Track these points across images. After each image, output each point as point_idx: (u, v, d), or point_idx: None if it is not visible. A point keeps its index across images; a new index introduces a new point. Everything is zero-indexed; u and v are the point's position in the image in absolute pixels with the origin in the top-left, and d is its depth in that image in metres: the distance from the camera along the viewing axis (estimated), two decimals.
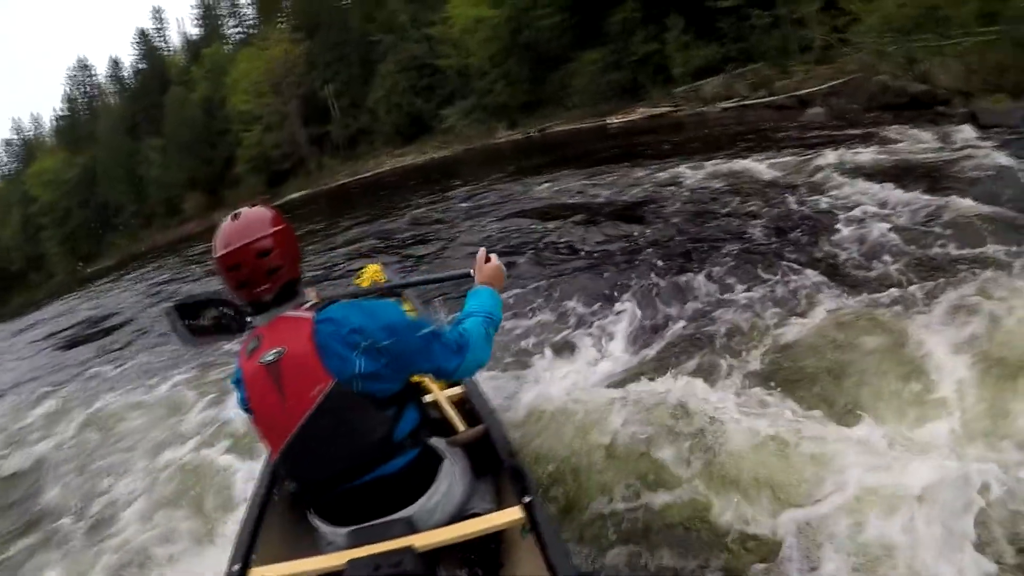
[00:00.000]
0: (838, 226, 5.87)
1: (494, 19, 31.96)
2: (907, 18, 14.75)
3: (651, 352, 4.31)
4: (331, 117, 47.61)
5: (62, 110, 72.06)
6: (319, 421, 1.87)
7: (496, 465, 2.36)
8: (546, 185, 12.54)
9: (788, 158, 9.41)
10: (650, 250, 6.51)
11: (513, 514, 1.98)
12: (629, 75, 27.22)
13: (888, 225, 5.53)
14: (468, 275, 2.46)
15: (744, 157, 10.11)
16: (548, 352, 4.56)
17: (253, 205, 2.05)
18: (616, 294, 5.43)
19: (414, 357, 1.97)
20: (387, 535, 1.88)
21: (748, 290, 4.91)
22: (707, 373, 3.65)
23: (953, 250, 4.83)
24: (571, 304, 5.46)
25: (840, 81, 15.96)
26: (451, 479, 2.09)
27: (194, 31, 66.02)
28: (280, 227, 1.99)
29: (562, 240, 7.92)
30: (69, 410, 6.48)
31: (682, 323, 4.64)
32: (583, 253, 7.18)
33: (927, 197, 5.99)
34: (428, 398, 2.83)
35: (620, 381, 3.68)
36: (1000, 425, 2.77)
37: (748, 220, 6.87)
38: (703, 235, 6.75)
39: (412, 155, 38.61)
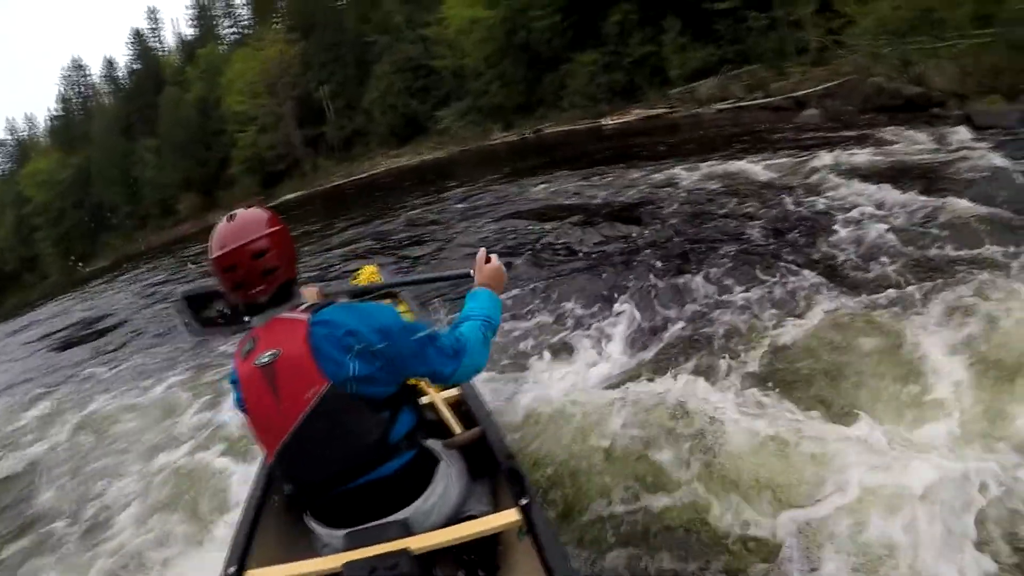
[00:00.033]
0: (835, 227, 5.88)
1: (489, 20, 31.86)
2: (902, 20, 14.83)
3: (649, 353, 4.30)
4: (326, 118, 47.53)
5: (56, 110, 72.04)
6: (314, 423, 1.86)
7: (492, 467, 2.35)
8: (542, 186, 12.54)
9: (784, 159, 9.43)
10: (648, 251, 6.51)
11: (510, 516, 1.97)
12: (625, 76, 27.20)
13: (885, 226, 5.54)
14: (468, 275, 2.43)
15: (740, 158, 10.12)
16: (546, 354, 4.55)
17: (249, 206, 2.06)
18: (614, 295, 5.43)
19: (409, 361, 1.95)
20: (383, 537, 1.87)
21: (746, 291, 4.90)
22: (706, 374, 3.64)
23: (950, 251, 4.83)
24: (569, 305, 5.45)
25: (835, 83, 16.01)
26: (447, 481, 2.08)
27: (189, 31, 65.93)
28: (276, 228, 1.99)
29: (559, 241, 7.91)
30: (63, 412, 6.45)
31: (680, 324, 4.63)
32: (580, 254, 7.18)
33: (924, 198, 6.00)
34: (424, 400, 2.81)
35: (619, 383, 3.68)
36: (998, 425, 2.77)
37: (745, 221, 6.88)
38: (700, 236, 6.75)
39: (407, 156, 38.54)
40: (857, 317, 3.99)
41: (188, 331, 2.14)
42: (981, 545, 2.19)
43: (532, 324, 5.26)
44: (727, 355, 3.90)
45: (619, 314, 5.01)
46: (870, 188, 6.75)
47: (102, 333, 11.88)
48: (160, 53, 66.46)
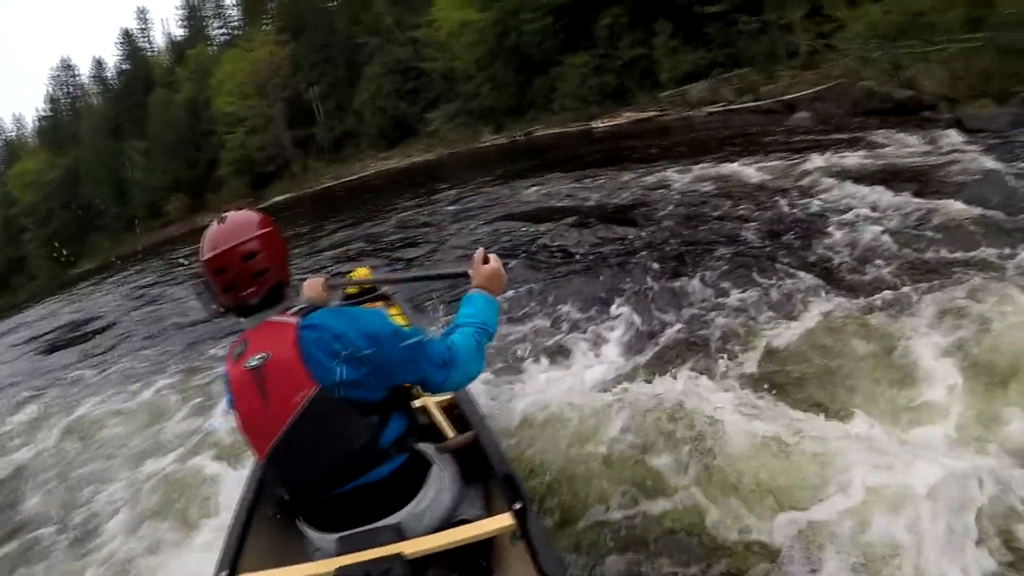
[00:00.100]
0: (829, 229, 5.90)
1: (480, 22, 31.91)
2: (892, 25, 14.98)
3: (646, 356, 4.27)
4: (316, 120, 47.50)
5: (45, 110, 71.60)
6: (303, 427, 1.85)
7: (486, 471, 2.33)
8: (534, 189, 12.55)
9: (776, 162, 9.47)
10: (643, 253, 6.51)
11: (503, 521, 1.95)
12: (615, 79, 27.29)
13: (879, 228, 5.57)
14: (465, 275, 2.36)
15: (732, 161, 10.17)
16: (542, 357, 4.52)
17: (240, 208, 2.04)
18: (610, 298, 5.41)
19: (397, 368, 1.93)
20: (376, 542, 1.86)
21: (742, 293, 4.90)
22: (703, 377, 3.63)
23: (944, 253, 4.86)
24: (565, 308, 5.43)
25: (825, 86, 16.11)
26: (440, 485, 2.07)
27: (178, 32, 65.88)
28: (267, 230, 1.99)
29: (554, 243, 7.90)
30: (50, 416, 6.35)
31: (677, 327, 4.62)
32: (575, 256, 7.17)
33: (917, 201, 6.05)
34: (417, 403, 2.78)
35: (616, 386, 3.65)
36: (995, 425, 2.79)
37: (739, 223, 6.90)
38: (695, 238, 6.76)
39: (397, 158, 38.60)
40: (853, 319, 4.00)
41: (203, 306, 2.12)
42: (982, 545, 2.18)
43: (527, 327, 5.23)
44: (724, 357, 3.90)
45: (615, 317, 5.00)
46: (863, 190, 6.79)
47: (90, 336, 11.77)
48: (149, 54, 66.27)
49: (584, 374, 4.12)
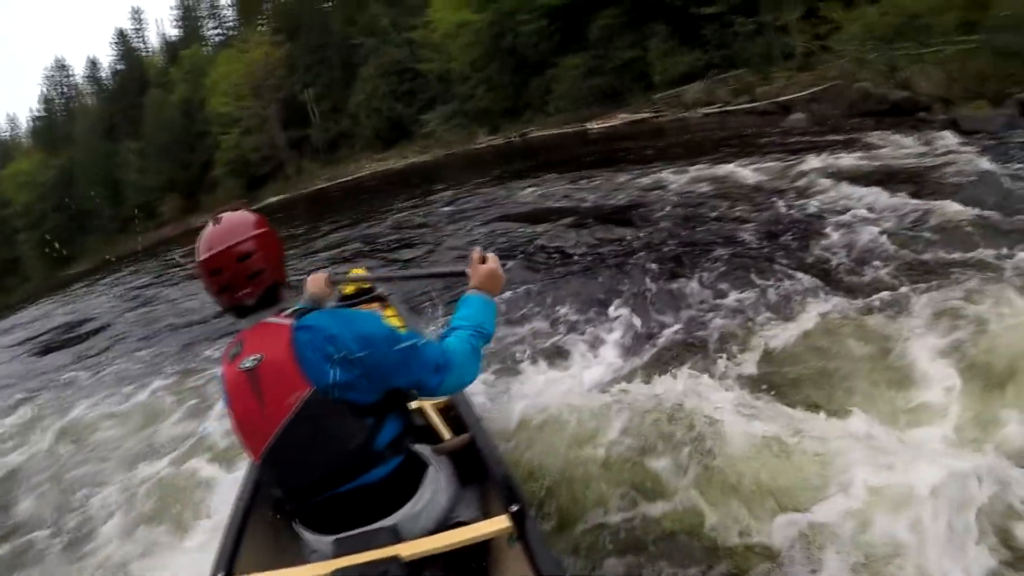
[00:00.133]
0: (827, 230, 5.91)
1: (476, 24, 31.97)
2: (888, 26, 15.05)
3: (645, 357, 4.26)
4: (311, 121, 47.49)
5: (39, 111, 71.51)
6: (297, 428, 1.85)
7: (482, 473, 2.32)
8: (530, 190, 12.54)
9: (772, 163, 9.48)
10: (640, 254, 6.51)
11: (500, 523, 1.93)
12: (610, 81, 27.32)
13: (876, 229, 5.58)
14: (462, 274, 2.31)
15: (728, 162, 10.17)
16: (540, 358, 4.50)
17: (236, 209, 2.04)
18: (608, 299, 5.39)
19: (391, 371, 1.91)
20: (373, 544, 1.85)
21: (740, 294, 4.89)
22: (702, 378, 3.59)
23: (942, 254, 4.86)
24: (562, 309, 5.42)
25: (821, 88, 16.14)
26: (436, 486, 2.05)
27: (173, 32, 65.77)
28: (262, 230, 1.98)
29: (552, 244, 7.89)
30: (44, 418, 6.31)
31: (675, 328, 4.61)
32: (573, 257, 7.15)
33: (914, 202, 6.06)
34: (413, 405, 2.76)
35: (614, 387, 3.62)
36: (993, 425, 2.81)
37: (736, 224, 6.90)
38: (692, 239, 6.76)
39: (392, 160, 38.59)
40: (851, 320, 4.01)
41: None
42: (984, 544, 2.18)
43: (525, 328, 5.21)
44: (723, 358, 3.89)
45: (614, 318, 4.98)
46: (860, 191, 6.81)
47: (84, 337, 11.70)
48: (144, 54, 66.21)
49: (582, 376, 4.10)
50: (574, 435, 3.02)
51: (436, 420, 2.76)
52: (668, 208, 8.28)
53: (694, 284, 5.29)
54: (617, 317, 4.97)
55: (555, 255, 7.40)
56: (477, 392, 3.38)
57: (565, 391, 3.70)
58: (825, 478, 2.51)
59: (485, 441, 2.40)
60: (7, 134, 77.25)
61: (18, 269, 61.54)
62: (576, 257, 7.12)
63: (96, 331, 11.93)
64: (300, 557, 2.08)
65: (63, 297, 22.58)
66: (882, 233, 5.47)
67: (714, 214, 7.55)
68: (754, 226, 6.66)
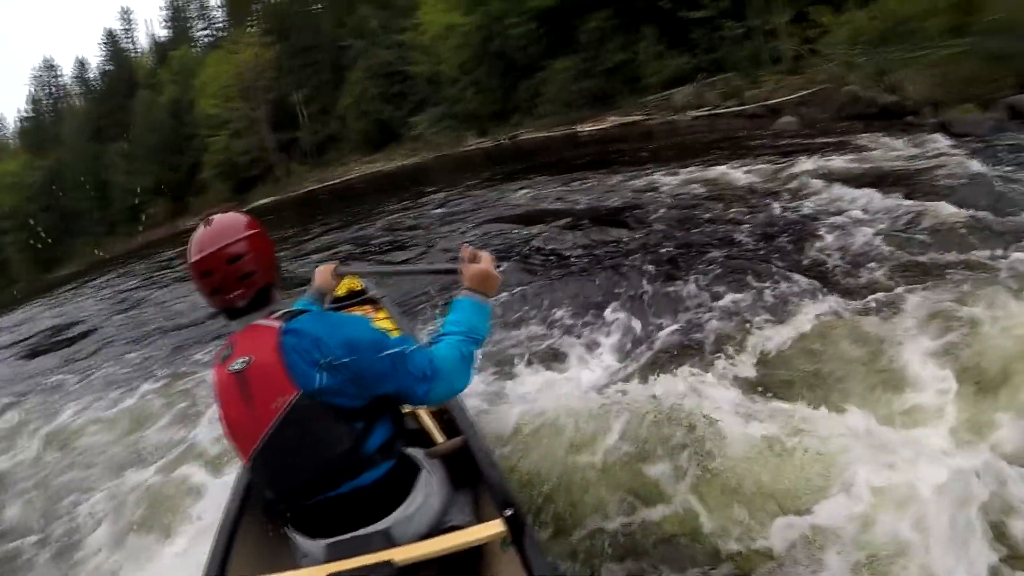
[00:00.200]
0: (821, 232, 5.91)
1: (465, 26, 31.98)
2: (877, 30, 15.13)
3: (642, 360, 4.24)
4: (300, 123, 47.44)
5: (26, 111, 71.13)
6: (284, 432, 1.84)
7: (475, 477, 2.31)
8: (522, 192, 12.52)
9: (764, 165, 9.50)
10: (635, 256, 6.50)
11: (494, 527, 1.91)
12: (600, 84, 27.37)
13: (870, 231, 5.60)
14: (454, 272, 2.22)
15: (720, 164, 10.18)
16: (535, 361, 4.47)
17: (227, 211, 2.03)
18: (603, 301, 5.37)
19: (376, 378, 1.88)
20: (365, 548, 1.84)
21: (735, 296, 4.88)
22: (700, 380, 3.61)
23: (936, 256, 4.88)
24: (558, 312, 5.38)
25: (810, 91, 16.19)
26: (428, 490, 2.04)
27: (162, 33, 65.63)
28: (253, 232, 1.99)
29: (546, 247, 7.85)
30: (30, 422, 6.23)
31: (671, 330, 4.59)
32: (567, 259, 7.13)
33: (906, 204, 6.09)
34: (406, 408, 2.74)
35: (611, 390, 3.63)
36: (989, 425, 2.83)
37: (730, 226, 6.90)
38: (687, 241, 6.76)
39: (381, 162, 38.60)
40: (846, 322, 4.03)
41: None
42: (985, 544, 2.19)
43: (520, 331, 5.17)
44: (720, 360, 3.88)
45: (610, 321, 4.95)
46: (852, 193, 6.84)
47: (72, 340, 11.58)
48: (133, 55, 65.97)
49: (579, 378, 4.08)
50: (571, 439, 3.01)
51: (429, 423, 2.74)
52: (662, 210, 8.27)
53: (690, 286, 5.27)
54: (613, 319, 4.95)
55: (550, 257, 7.37)
56: (471, 395, 3.34)
57: (562, 394, 3.70)
58: (826, 478, 2.53)
59: (479, 444, 2.39)
60: None
61: (5, 271, 61.06)
62: (571, 259, 7.10)
63: (84, 334, 11.81)
64: (292, 561, 2.07)
65: (50, 300, 22.37)
66: (876, 234, 5.49)
67: (708, 216, 7.55)
68: (748, 227, 6.66)
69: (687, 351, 4.18)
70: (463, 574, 2.09)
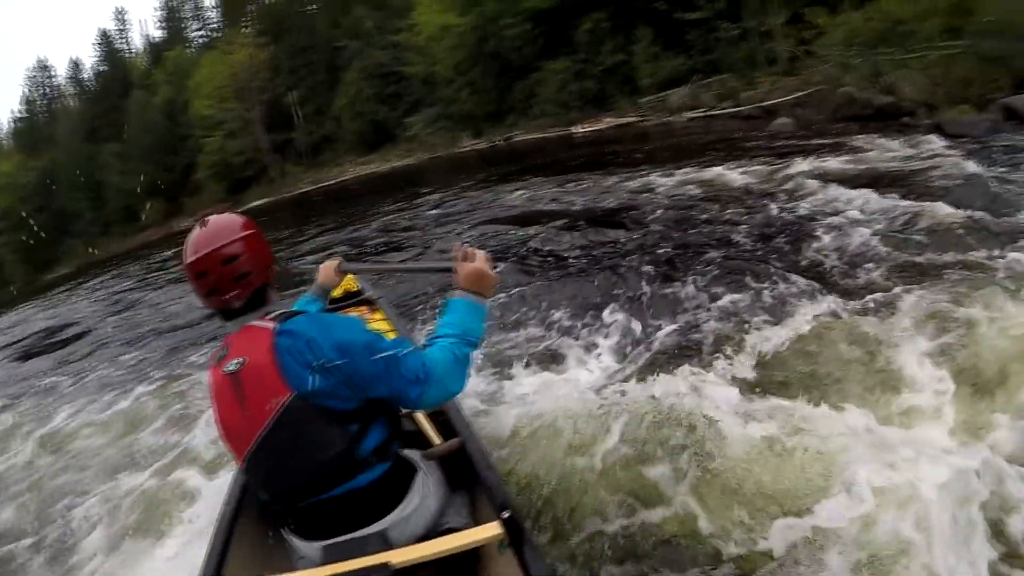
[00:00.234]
0: (818, 232, 5.92)
1: (460, 27, 31.94)
2: (873, 32, 15.16)
3: (640, 361, 4.24)
4: (295, 124, 47.30)
5: (20, 112, 70.84)
6: (278, 433, 1.83)
7: (472, 479, 2.30)
8: (518, 193, 12.52)
9: (760, 166, 9.52)
10: (632, 257, 6.49)
11: (492, 529, 1.90)
12: (595, 85, 27.40)
13: (867, 231, 5.60)
14: (449, 271, 2.17)
15: (716, 165, 10.21)
16: (533, 363, 4.46)
17: (222, 211, 2.02)
18: (601, 302, 5.36)
19: (369, 381, 1.85)
20: (362, 551, 1.83)
21: (733, 297, 4.87)
22: (698, 380, 3.60)
23: (931, 256, 4.89)
24: (556, 313, 5.37)
25: (805, 92, 16.26)
26: (425, 492, 2.03)
27: (157, 33, 65.39)
28: (249, 232, 1.97)
29: (543, 248, 7.84)
30: (24, 425, 6.20)
31: (669, 330, 4.59)
32: (564, 260, 7.12)
33: (903, 204, 6.10)
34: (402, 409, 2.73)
35: (610, 392, 3.63)
36: (988, 425, 2.84)
37: (727, 227, 6.90)
38: (684, 241, 6.76)
39: (376, 163, 38.50)
40: (844, 322, 4.03)
41: None
42: (985, 543, 2.19)
43: (518, 332, 5.16)
44: (719, 360, 3.88)
45: (608, 322, 4.94)
46: (849, 194, 6.85)
47: (66, 342, 11.53)
48: (127, 55, 65.77)
49: (577, 380, 4.07)
50: (569, 440, 3.01)
51: (425, 425, 2.72)
52: (659, 211, 8.28)
53: (688, 287, 5.27)
54: (611, 320, 4.94)
55: (547, 258, 7.36)
56: (469, 397, 3.33)
57: (560, 395, 3.69)
58: (826, 478, 2.52)
59: (476, 446, 2.38)
60: None
61: None
62: (568, 260, 7.09)
63: (78, 336, 11.77)
64: (288, 564, 2.06)
65: (45, 301, 22.33)
66: (873, 235, 5.50)
67: (704, 217, 7.56)
68: (745, 228, 6.67)
69: (686, 352, 4.18)
70: None
